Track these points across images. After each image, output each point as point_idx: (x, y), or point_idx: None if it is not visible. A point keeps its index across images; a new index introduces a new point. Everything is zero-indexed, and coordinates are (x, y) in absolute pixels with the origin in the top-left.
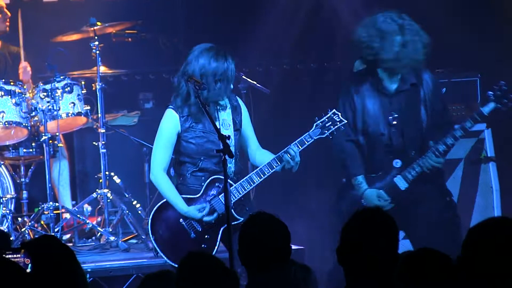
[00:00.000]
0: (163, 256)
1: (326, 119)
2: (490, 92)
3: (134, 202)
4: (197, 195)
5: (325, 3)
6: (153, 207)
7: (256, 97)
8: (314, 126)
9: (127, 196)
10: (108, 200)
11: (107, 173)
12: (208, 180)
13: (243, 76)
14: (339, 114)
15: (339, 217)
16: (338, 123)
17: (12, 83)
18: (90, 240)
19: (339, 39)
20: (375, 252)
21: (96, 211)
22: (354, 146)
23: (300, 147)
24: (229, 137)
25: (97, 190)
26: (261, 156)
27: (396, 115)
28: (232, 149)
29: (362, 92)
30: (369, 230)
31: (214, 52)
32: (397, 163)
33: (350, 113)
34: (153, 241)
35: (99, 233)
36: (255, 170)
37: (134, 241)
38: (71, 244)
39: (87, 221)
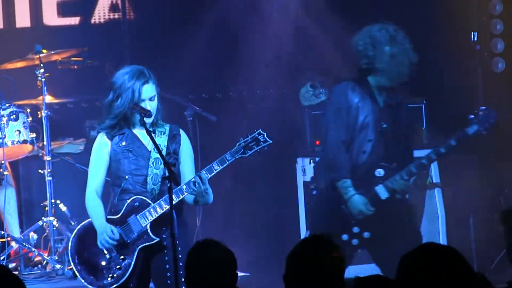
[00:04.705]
0: (81, 279)
1: (250, 139)
2: (472, 116)
3: None
4: (117, 216)
5: None
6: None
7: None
8: (236, 145)
9: (73, 223)
10: (54, 228)
11: (53, 201)
12: (129, 201)
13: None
14: (265, 134)
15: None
16: (262, 143)
17: None
18: (36, 268)
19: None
20: (322, 278)
21: (42, 239)
22: (346, 150)
23: (220, 166)
24: (174, 165)
25: (43, 218)
26: None
27: (385, 126)
28: (159, 172)
29: (356, 96)
30: (315, 257)
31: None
32: (379, 172)
33: (345, 113)
34: (73, 265)
35: (45, 261)
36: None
37: None
38: (16, 273)
39: (33, 249)
